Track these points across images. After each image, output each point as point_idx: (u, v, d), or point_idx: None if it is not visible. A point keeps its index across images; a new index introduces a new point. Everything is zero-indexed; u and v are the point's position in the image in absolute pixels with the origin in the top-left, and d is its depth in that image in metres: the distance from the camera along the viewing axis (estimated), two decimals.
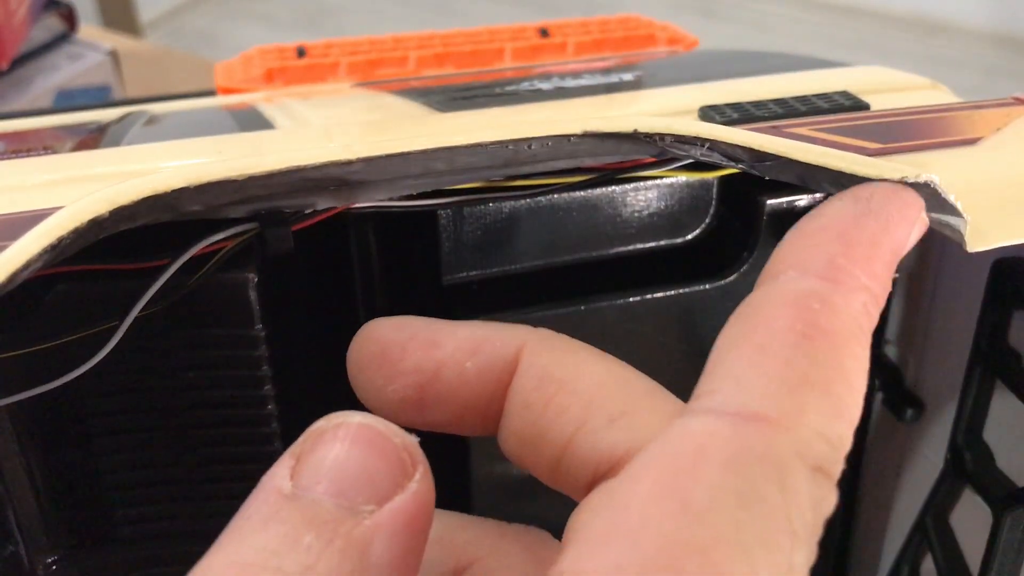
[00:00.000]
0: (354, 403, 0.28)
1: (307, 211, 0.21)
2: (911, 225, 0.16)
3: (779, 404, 0.13)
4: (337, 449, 0.15)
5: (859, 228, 0.16)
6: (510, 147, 0.19)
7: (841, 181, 0.18)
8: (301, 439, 0.15)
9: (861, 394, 0.14)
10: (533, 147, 0.20)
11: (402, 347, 0.18)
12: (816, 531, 0.13)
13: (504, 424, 0.18)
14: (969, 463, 0.25)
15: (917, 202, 0.17)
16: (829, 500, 0.14)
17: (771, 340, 0.14)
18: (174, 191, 0.17)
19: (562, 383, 0.17)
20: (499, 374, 0.17)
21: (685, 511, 0.12)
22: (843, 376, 0.14)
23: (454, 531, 0.19)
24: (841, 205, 0.16)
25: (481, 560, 0.18)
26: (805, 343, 0.14)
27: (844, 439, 0.14)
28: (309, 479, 0.14)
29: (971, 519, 0.25)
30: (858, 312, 0.15)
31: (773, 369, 0.14)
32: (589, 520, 0.13)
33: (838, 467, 0.14)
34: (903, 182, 0.17)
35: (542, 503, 0.27)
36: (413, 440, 0.15)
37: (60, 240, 0.16)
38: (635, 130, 0.20)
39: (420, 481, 0.15)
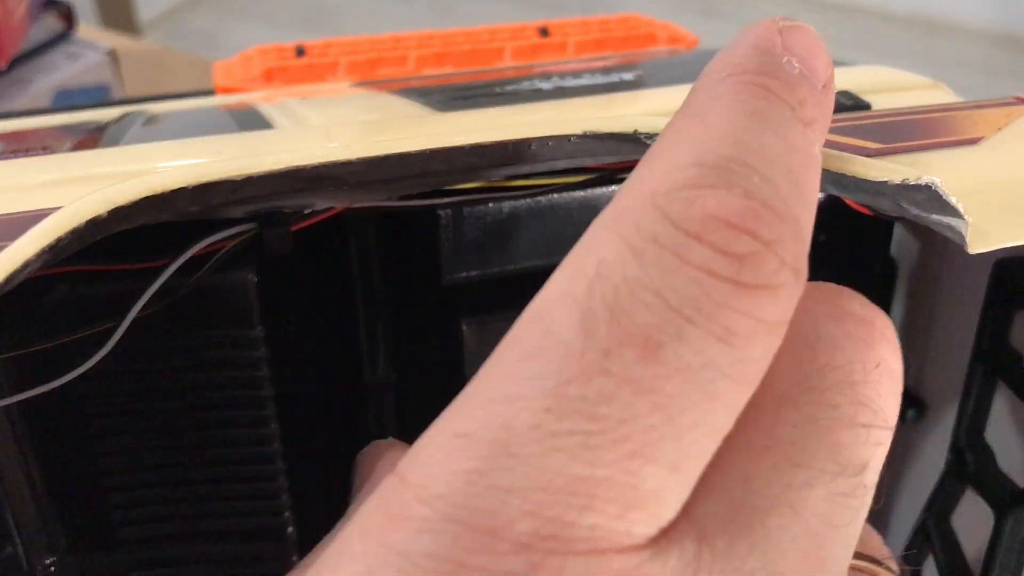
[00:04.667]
0: (351, 401, 0.28)
1: (306, 211, 0.21)
2: None
3: None
4: None
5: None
6: (510, 147, 0.19)
7: (842, 182, 0.18)
8: None
9: None
10: (533, 147, 0.20)
11: None
12: None
13: None
14: (971, 464, 0.25)
15: None
16: None
17: None
18: (172, 191, 0.17)
19: None
20: None
21: None
22: None
23: None
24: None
25: None
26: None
27: None
28: None
29: (973, 520, 0.25)
30: None
31: None
32: None
33: None
34: (904, 184, 0.17)
35: None
36: None
37: (58, 241, 0.16)
38: (635, 130, 0.20)
39: None
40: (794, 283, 0.13)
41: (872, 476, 0.14)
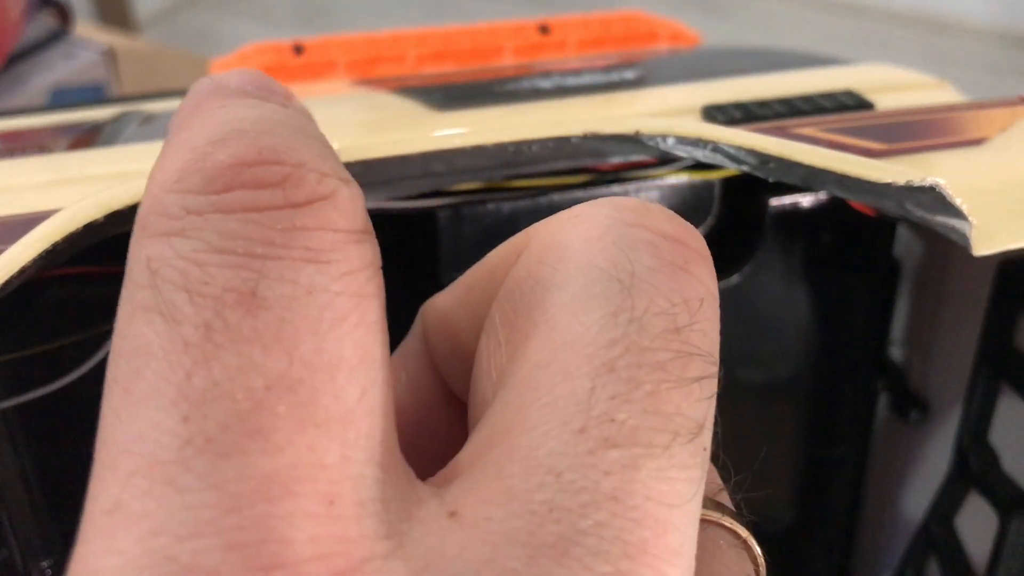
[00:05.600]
0: None
1: None
2: None
3: None
4: None
5: None
6: (511, 149, 0.19)
7: (845, 183, 0.18)
8: None
9: None
10: (534, 148, 0.19)
11: None
12: None
13: None
14: (975, 466, 0.25)
15: None
16: None
17: None
18: None
19: None
20: None
21: None
22: None
23: None
24: None
25: None
26: None
27: None
28: None
29: (977, 523, 0.25)
30: None
31: None
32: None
33: None
34: (909, 185, 0.17)
35: None
36: None
37: (55, 246, 0.16)
38: (637, 132, 0.19)
39: None
40: (346, 188, 0.12)
41: (708, 434, 0.11)
